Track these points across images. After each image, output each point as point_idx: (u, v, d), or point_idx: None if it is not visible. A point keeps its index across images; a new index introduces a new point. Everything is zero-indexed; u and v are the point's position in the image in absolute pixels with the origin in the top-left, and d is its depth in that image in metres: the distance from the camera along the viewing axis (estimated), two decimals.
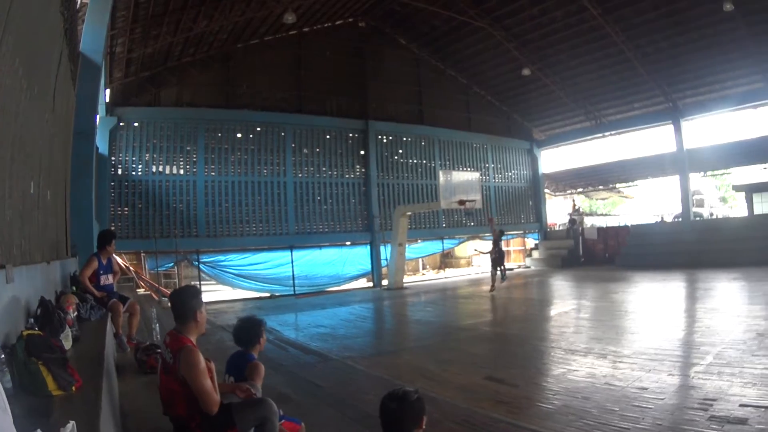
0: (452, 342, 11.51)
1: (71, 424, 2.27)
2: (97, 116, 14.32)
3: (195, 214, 21.76)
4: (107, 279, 8.03)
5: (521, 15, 23.80)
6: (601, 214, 48.84)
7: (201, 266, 21.97)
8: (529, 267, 31.58)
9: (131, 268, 20.38)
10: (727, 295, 15.28)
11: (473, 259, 34.74)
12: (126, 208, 20.74)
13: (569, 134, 32.37)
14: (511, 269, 27.39)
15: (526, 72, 26.65)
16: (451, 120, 29.72)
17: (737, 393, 6.14)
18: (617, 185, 37.34)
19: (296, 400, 7.13)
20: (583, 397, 6.59)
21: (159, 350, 6.45)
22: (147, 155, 21.16)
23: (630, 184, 36.21)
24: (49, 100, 6.13)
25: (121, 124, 20.55)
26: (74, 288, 7.41)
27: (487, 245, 22.66)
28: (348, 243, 25.82)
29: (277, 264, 23.47)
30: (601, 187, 37.46)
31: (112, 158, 20.36)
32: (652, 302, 14.86)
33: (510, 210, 32.31)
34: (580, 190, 38.59)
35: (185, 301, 3.96)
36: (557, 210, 40.77)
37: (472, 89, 30.88)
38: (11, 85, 3.82)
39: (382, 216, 26.10)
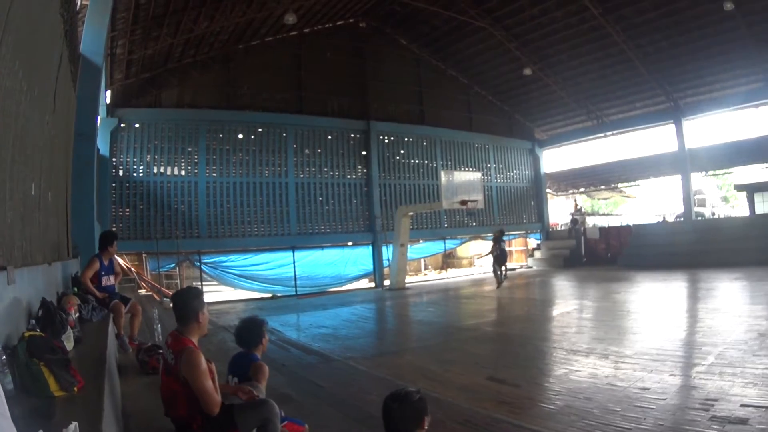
0: (454, 342, 11.51)
1: (74, 425, 2.27)
2: (98, 118, 14.32)
3: (196, 215, 21.78)
4: (109, 280, 8.04)
5: (522, 15, 23.81)
6: (603, 214, 48.79)
7: (203, 267, 21.99)
8: (531, 267, 31.56)
9: (133, 269, 20.37)
10: (728, 295, 15.26)
11: (475, 260, 34.74)
12: (127, 209, 20.77)
13: (571, 134, 32.37)
14: (513, 269, 27.39)
15: (527, 72, 26.64)
16: (453, 120, 29.72)
17: (738, 393, 6.13)
18: (619, 185, 37.27)
19: (298, 400, 7.14)
20: (585, 397, 6.59)
21: (161, 351, 6.49)
22: (148, 156, 21.18)
23: (632, 183, 36.12)
24: (49, 101, 6.13)
25: (122, 125, 20.58)
26: (76, 289, 7.41)
27: (488, 245, 22.61)
28: (350, 243, 25.82)
29: (279, 264, 23.48)
30: (603, 186, 37.41)
31: (113, 159, 20.39)
32: (654, 302, 14.84)
33: (512, 210, 32.32)
34: (582, 189, 38.55)
35: (187, 302, 3.97)
36: (559, 210, 40.75)
37: (473, 89, 30.88)
38: (11, 87, 3.82)
39: (383, 216, 26.11)
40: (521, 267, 31.64)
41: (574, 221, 33.24)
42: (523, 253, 33.92)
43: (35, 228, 5.16)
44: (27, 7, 4.30)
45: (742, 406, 5.70)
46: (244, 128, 23.23)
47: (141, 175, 21.10)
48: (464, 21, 24.43)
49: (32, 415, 2.59)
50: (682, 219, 29.90)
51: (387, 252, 25.38)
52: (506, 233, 21.89)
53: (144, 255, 21.27)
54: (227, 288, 23.33)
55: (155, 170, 21.37)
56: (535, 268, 31.11)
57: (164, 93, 21.83)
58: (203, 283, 21.56)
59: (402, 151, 27.75)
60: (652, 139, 33.59)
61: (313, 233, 24.46)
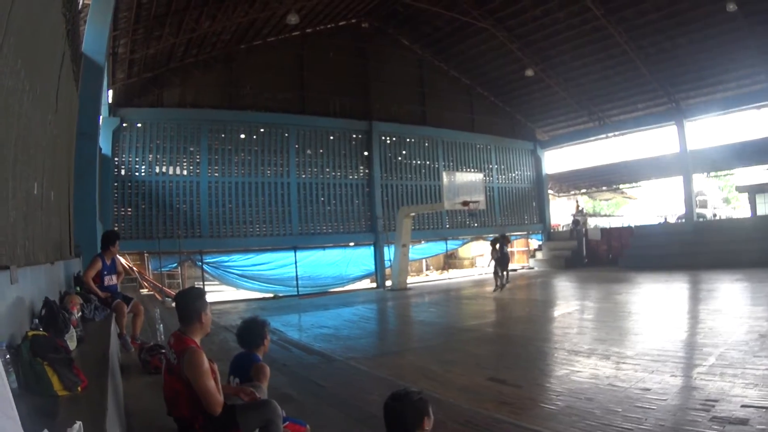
0: (455, 343, 11.52)
1: (78, 424, 2.28)
2: (100, 117, 14.32)
3: (198, 215, 21.82)
4: (111, 279, 8.05)
5: (524, 16, 23.81)
6: (605, 215, 48.73)
7: (204, 267, 22.01)
8: (532, 268, 31.58)
9: (135, 268, 20.40)
10: (729, 296, 15.27)
11: (477, 260, 34.75)
12: (129, 209, 20.82)
13: (572, 135, 32.38)
14: (515, 270, 27.37)
15: (529, 73, 26.66)
16: (455, 121, 29.74)
17: (739, 394, 6.14)
18: (621, 186, 37.25)
19: (299, 400, 7.15)
20: (586, 398, 6.59)
21: (163, 350, 6.48)
22: (150, 156, 21.23)
23: (633, 185, 36.12)
24: (51, 101, 6.13)
25: (124, 124, 20.62)
26: (78, 288, 7.42)
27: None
28: (351, 244, 25.84)
29: (281, 265, 23.50)
30: (604, 188, 37.39)
31: (116, 159, 20.43)
32: (656, 303, 14.84)
33: (513, 211, 32.35)
34: (583, 190, 38.54)
35: (190, 302, 3.98)
36: (561, 211, 40.74)
37: (475, 90, 30.91)
38: (14, 87, 3.83)
39: (385, 217, 26.14)
40: (522, 268, 31.65)
41: (575, 222, 33.25)
42: (525, 253, 33.90)
43: (38, 227, 5.17)
44: (29, 6, 4.30)
45: (742, 406, 5.71)
46: (246, 128, 23.25)
47: (143, 174, 21.14)
48: (467, 22, 24.44)
49: (36, 414, 2.59)
50: (683, 220, 29.89)
51: (389, 252, 25.38)
52: (509, 236, 21.75)
53: (146, 254, 21.30)
54: (229, 288, 23.34)
55: (157, 170, 21.40)
56: (536, 268, 31.13)
57: (166, 92, 21.87)
58: (205, 282, 21.59)
59: (404, 152, 27.77)
60: (653, 140, 33.63)
61: (315, 233, 24.48)
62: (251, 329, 5.01)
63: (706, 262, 22.19)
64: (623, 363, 8.20)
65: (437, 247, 29.70)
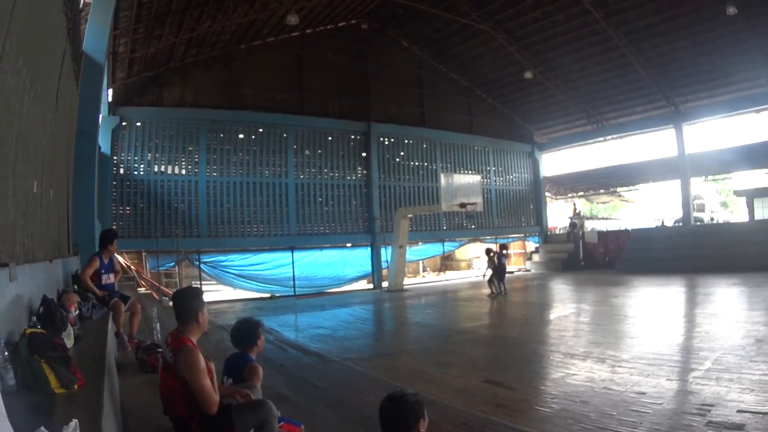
0: (452, 345, 11.53)
1: (74, 422, 2.29)
2: (100, 116, 14.32)
3: (196, 214, 21.81)
4: (109, 278, 8.05)
5: (524, 18, 23.79)
6: (602, 218, 48.95)
7: (202, 266, 22.01)
8: (529, 270, 31.58)
9: (132, 267, 20.38)
10: (726, 300, 15.28)
11: (474, 262, 34.79)
12: (128, 208, 20.80)
13: (570, 137, 32.39)
14: (512, 272, 27.37)
15: (528, 75, 26.68)
16: (453, 123, 29.76)
17: (735, 399, 6.15)
18: (618, 189, 37.30)
19: (295, 401, 7.14)
20: (581, 401, 6.60)
21: (160, 349, 6.50)
22: (149, 155, 21.22)
23: (631, 188, 36.19)
24: (52, 99, 6.15)
25: (124, 123, 20.59)
26: (76, 286, 7.43)
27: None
28: (349, 244, 25.85)
29: (278, 265, 23.49)
30: (602, 190, 37.46)
31: (114, 158, 20.41)
32: (652, 307, 14.84)
33: (511, 213, 32.36)
34: (581, 193, 38.61)
35: (187, 302, 3.99)
36: (558, 213, 40.81)
37: (473, 92, 30.94)
38: (15, 85, 3.84)
39: (383, 218, 26.14)
40: (519, 270, 31.66)
41: (572, 225, 33.32)
42: (522, 256, 33.92)
43: (37, 225, 5.18)
44: (30, 5, 4.32)
45: (738, 411, 5.72)
46: (245, 128, 23.25)
47: (142, 173, 21.12)
48: (466, 24, 24.45)
49: (33, 412, 2.61)
50: (680, 224, 29.91)
51: (386, 253, 25.42)
52: (508, 245, 21.72)
53: (144, 253, 21.30)
54: (226, 287, 23.34)
55: (156, 169, 21.39)
56: (533, 271, 31.13)
57: (166, 92, 21.86)
58: (202, 282, 21.58)
59: (402, 153, 27.79)
60: (651, 144, 33.59)
61: (313, 234, 24.48)
62: (245, 329, 5.02)
63: (703, 266, 22.20)
64: (619, 366, 8.22)
65: (434, 249, 29.72)
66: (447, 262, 34.82)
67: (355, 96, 26.52)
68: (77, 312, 5.76)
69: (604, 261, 29.87)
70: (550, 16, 23.23)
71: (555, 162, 35.16)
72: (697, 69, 23.85)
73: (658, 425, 5.56)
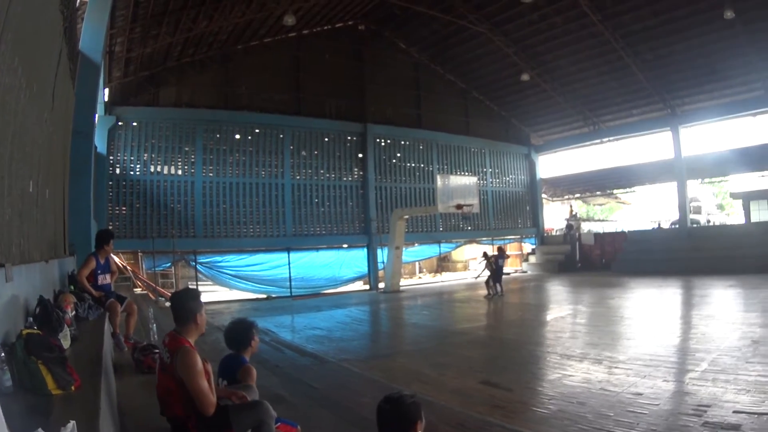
0: (448, 346, 11.53)
1: (71, 423, 2.28)
2: (96, 115, 14.29)
3: (193, 215, 21.77)
4: (105, 278, 8.03)
5: (521, 20, 23.80)
6: (598, 220, 49.00)
7: (198, 267, 21.95)
8: (525, 272, 31.63)
9: (129, 267, 20.36)
10: (722, 302, 15.32)
11: (470, 263, 34.81)
12: (124, 208, 20.74)
13: (567, 140, 32.42)
14: (508, 273, 27.38)
15: (525, 77, 26.66)
16: (450, 124, 29.75)
17: (731, 399, 6.17)
18: (615, 191, 37.35)
19: (292, 401, 7.14)
20: (578, 402, 6.61)
21: (156, 350, 6.49)
22: (145, 155, 21.14)
23: (627, 190, 36.24)
24: (48, 98, 6.13)
25: (120, 123, 20.53)
26: (72, 287, 7.40)
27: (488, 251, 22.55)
28: (345, 246, 25.84)
29: (274, 266, 23.47)
30: (598, 192, 37.50)
31: (111, 157, 20.34)
32: (648, 308, 14.89)
33: (507, 215, 32.37)
34: (577, 195, 38.65)
35: (185, 303, 3.98)
36: (554, 215, 40.83)
37: (470, 94, 30.94)
38: (10, 84, 3.83)
39: (379, 219, 26.12)
40: (516, 271, 31.69)
41: (569, 227, 33.38)
42: (518, 257, 33.93)
43: (33, 225, 5.16)
44: (27, 3, 4.30)
45: (734, 412, 5.74)
46: (242, 129, 23.21)
47: (138, 173, 21.05)
48: (463, 25, 24.44)
49: (30, 413, 2.60)
50: (677, 226, 29.95)
51: (382, 254, 25.39)
52: (505, 247, 21.74)
53: (140, 254, 21.28)
54: (222, 288, 23.29)
55: (152, 169, 21.33)
56: (529, 272, 31.18)
57: (162, 92, 21.79)
58: (198, 282, 21.52)
59: (398, 155, 27.77)
60: (648, 146, 33.66)
61: (309, 235, 24.46)
62: (239, 330, 5.01)
63: (700, 268, 22.26)
64: (615, 367, 8.24)
65: (430, 250, 29.75)
66: (443, 264, 34.82)
67: (351, 97, 26.50)
68: (73, 313, 5.73)
69: (601, 263, 29.91)
70: (547, 18, 23.23)
71: (552, 164, 35.22)
72: (694, 72, 23.90)
73: (654, 426, 5.58)
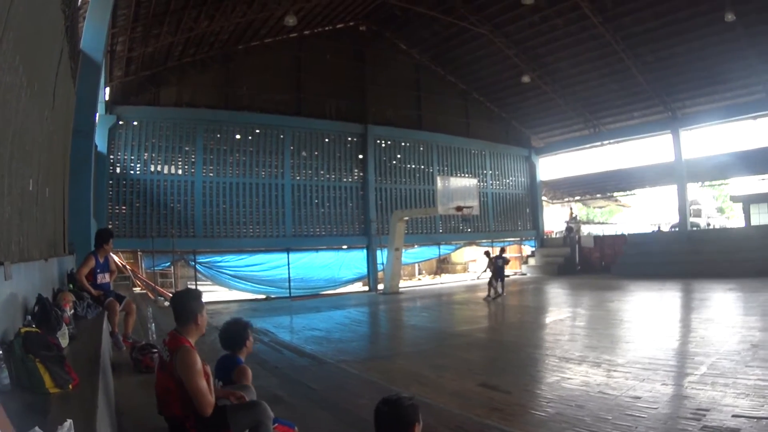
0: (447, 348, 11.50)
1: (68, 422, 2.27)
2: (97, 114, 14.30)
3: (192, 215, 21.77)
4: (104, 277, 8.04)
5: (522, 22, 23.81)
6: (598, 223, 48.91)
7: (197, 266, 21.94)
8: (525, 274, 31.61)
9: (128, 266, 20.35)
10: (722, 305, 15.31)
11: (470, 265, 34.80)
12: (124, 207, 20.73)
13: (568, 142, 32.44)
14: (507, 275, 27.40)
15: (525, 79, 26.64)
16: (450, 126, 29.75)
17: (730, 403, 6.16)
18: (615, 194, 37.31)
19: (290, 402, 7.13)
20: (576, 405, 6.60)
21: (155, 350, 6.51)
22: (146, 154, 21.15)
23: (627, 193, 36.22)
24: (49, 97, 6.13)
25: (120, 122, 20.54)
26: (71, 286, 7.41)
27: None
28: (345, 246, 25.83)
29: (274, 266, 23.46)
30: (598, 195, 37.46)
31: (111, 157, 20.34)
32: (648, 311, 14.87)
33: (507, 217, 32.37)
34: (577, 198, 38.60)
35: (186, 303, 3.99)
36: (554, 218, 40.82)
37: (471, 95, 30.94)
38: (11, 82, 3.82)
39: (379, 220, 26.12)
40: (515, 274, 31.66)
41: (569, 229, 33.32)
42: (518, 260, 33.92)
43: (32, 224, 5.16)
44: (28, 2, 4.30)
45: (733, 416, 5.73)
46: (242, 129, 23.21)
47: (138, 173, 21.04)
48: (464, 27, 24.45)
49: (28, 412, 2.60)
50: (677, 229, 29.96)
51: (381, 256, 25.38)
52: (504, 252, 21.73)
53: (139, 253, 21.27)
54: (221, 288, 23.28)
55: (152, 168, 21.33)
56: (529, 275, 31.16)
57: (163, 91, 21.80)
58: (198, 282, 21.50)
59: (399, 156, 27.78)
60: (648, 149, 33.68)
61: (309, 235, 24.45)
62: (233, 331, 5.02)
63: (700, 271, 22.27)
64: (614, 371, 8.22)
65: (430, 252, 29.72)
66: (443, 265, 34.83)
67: (352, 98, 26.51)
68: (72, 311, 5.73)
69: (601, 265, 29.93)
70: (548, 20, 23.24)
71: (552, 166, 35.26)
72: (694, 75, 23.91)
73: (653, 430, 5.57)
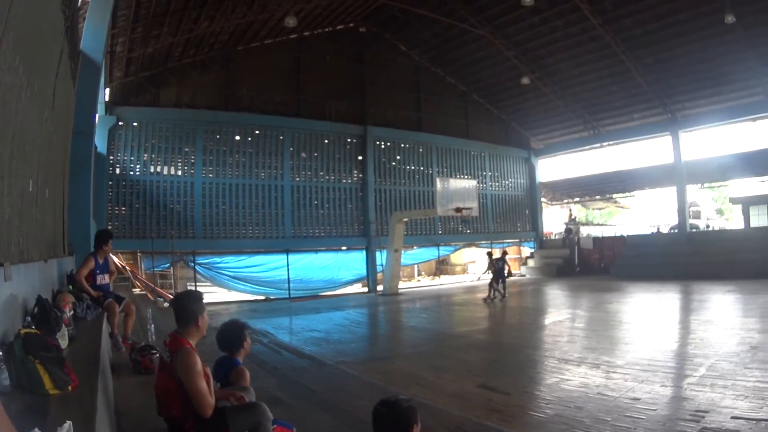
0: (446, 349, 11.50)
1: (68, 423, 2.27)
2: (97, 115, 14.30)
3: (192, 216, 21.78)
4: (103, 279, 8.03)
5: (522, 24, 23.84)
6: (598, 224, 48.88)
7: (197, 267, 21.94)
8: (524, 275, 31.61)
9: (127, 267, 20.34)
10: (721, 307, 15.31)
11: (469, 267, 34.79)
12: (123, 208, 20.75)
13: (567, 144, 32.47)
14: (513, 275, 27.39)
15: (525, 81, 26.66)
16: (450, 127, 29.77)
17: (729, 405, 6.16)
18: (614, 195, 37.39)
19: (289, 403, 7.13)
20: (575, 406, 6.60)
21: (154, 351, 6.50)
22: (145, 155, 21.16)
23: (627, 194, 36.27)
24: (48, 98, 6.12)
25: (120, 123, 20.55)
26: (71, 287, 7.40)
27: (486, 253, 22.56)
28: (344, 248, 25.83)
29: (273, 267, 23.46)
30: (597, 197, 37.50)
31: (111, 157, 20.35)
32: (647, 313, 14.88)
33: (506, 218, 32.40)
34: (576, 199, 38.61)
35: (187, 305, 4.00)
36: (553, 219, 40.80)
37: (471, 97, 30.95)
38: (11, 83, 3.82)
39: (378, 222, 26.14)
40: (514, 275, 31.63)
41: (568, 231, 33.37)
42: (517, 261, 33.90)
43: (32, 225, 5.16)
44: (28, 2, 4.30)
45: (732, 418, 5.73)
46: (242, 130, 23.22)
47: (137, 173, 21.06)
48: (464, 29, 24.46)
49: (27, 413, 2.59)
50: (676, 231, 29.97)
51: (381, 257, 25.39)
52: (506, 254, 21.72)
53: (139, 254, 21.26)
54: (221, 289, 23.26)
55: (152, 169, 21.34)
56: (528, 276, 31.18)
57: (163, 92, 21.82)
58: (197, 283, 21.50)
59: (398, 157, 27.78)
60: (648, 150, 33.61)
61: (308, 237, 24.46)
62: (230, 332, 5.01)
63: (699, 273, 22.27)
64: (613, 372, 8.22)
65: (429, 253, 29.72)
66: (442, 267, 34.83)
67: (352, 99, 26.53)
68: (72, 312, 5.72)
69: (600, 267, 29.95)
70: (548, 22, 23.27)
71: (551, 168, 35.24)
72: (694, 76, 23.93)
73: (652, 431, 5.57)
